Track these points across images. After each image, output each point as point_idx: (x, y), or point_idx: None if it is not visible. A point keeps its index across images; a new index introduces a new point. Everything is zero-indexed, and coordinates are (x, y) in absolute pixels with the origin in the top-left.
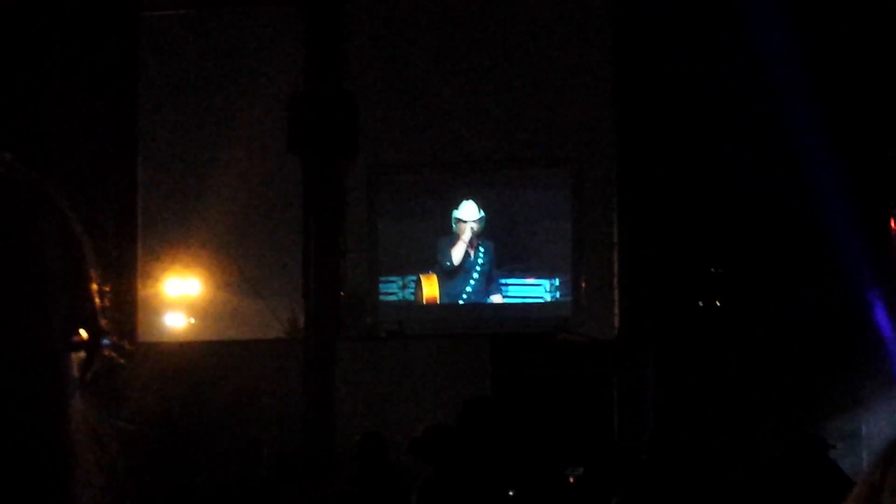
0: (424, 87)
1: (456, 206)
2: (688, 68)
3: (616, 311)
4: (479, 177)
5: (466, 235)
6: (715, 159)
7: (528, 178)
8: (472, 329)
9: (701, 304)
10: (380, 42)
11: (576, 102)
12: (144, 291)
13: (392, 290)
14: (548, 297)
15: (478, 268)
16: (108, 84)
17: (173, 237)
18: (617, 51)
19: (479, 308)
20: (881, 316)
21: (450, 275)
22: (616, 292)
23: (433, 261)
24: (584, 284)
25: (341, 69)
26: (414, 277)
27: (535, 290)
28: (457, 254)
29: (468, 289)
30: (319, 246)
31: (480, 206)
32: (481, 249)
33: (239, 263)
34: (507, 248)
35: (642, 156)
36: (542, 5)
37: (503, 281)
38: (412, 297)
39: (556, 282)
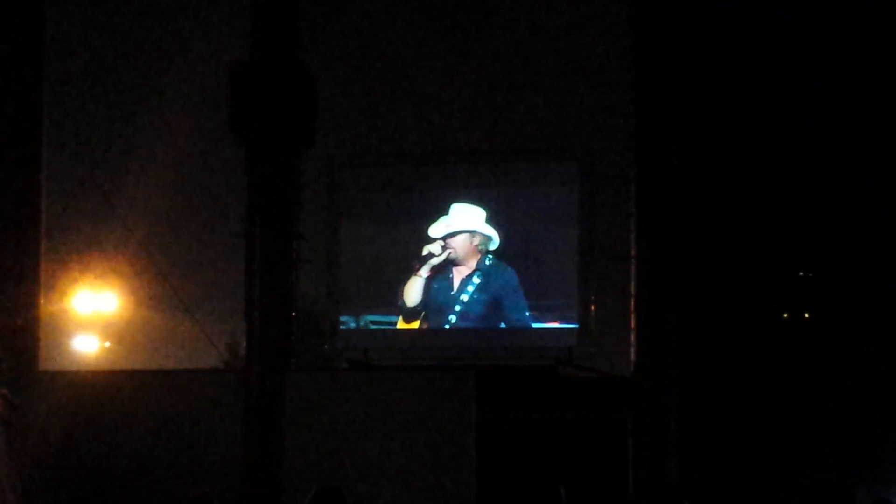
0: (404, 64)
1: (439, 212)
2: (722, 49)
3: (633, 339)
4: (468, 172)
5: (442, 256)
6: (758, 155)
7: (527, 175)
8: (454, 360)
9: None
10: (348, 7)
11: (585, 84)
12: (48, 307)
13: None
14: (548, 322)
15: (463, 301)
16: (8, 52)
17: (84, 240)
18: (636, 25)
19: (463, 334)
20: None
21: (412, 317)
22: (633, 316)
23: (410, 273)
24: (593, 306)
25: (296, 35)
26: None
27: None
28: (413, 291)
29: (453, 316)
30: (266, 254)
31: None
32: (474, 279)
33: (165, 274)
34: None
35: (667, 149)
36: None
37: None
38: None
39: (559, 302)
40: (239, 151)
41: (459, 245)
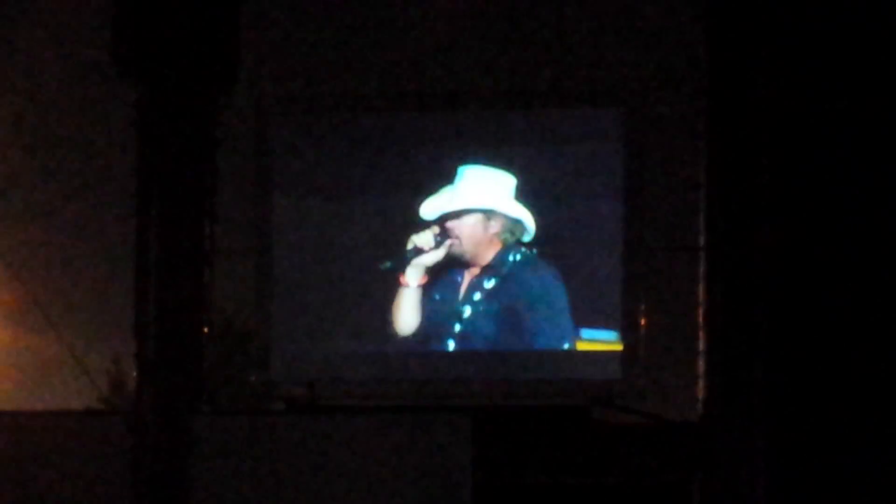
0: None
1: (433, 180)
2: None
3: (702, 370)
4: (461, 121)
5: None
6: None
7: (547, 127)
8: (442, 398)
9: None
10: None
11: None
12: None
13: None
14: (572, 343)
15: (464, 316)
16: None
17: None
18: None
19: (457, 361)
20: None
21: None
22: (702, 334)
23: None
24: (643, 320)
25: None
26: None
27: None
28: (404, 311)
29: (451, 340)
30: (167, 244)
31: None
32: (486, 283)
33: (26, 280)
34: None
35: (753, 92)
36: None
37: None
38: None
39: (596, 314)
40: (127, 96)
41: (467, 232)
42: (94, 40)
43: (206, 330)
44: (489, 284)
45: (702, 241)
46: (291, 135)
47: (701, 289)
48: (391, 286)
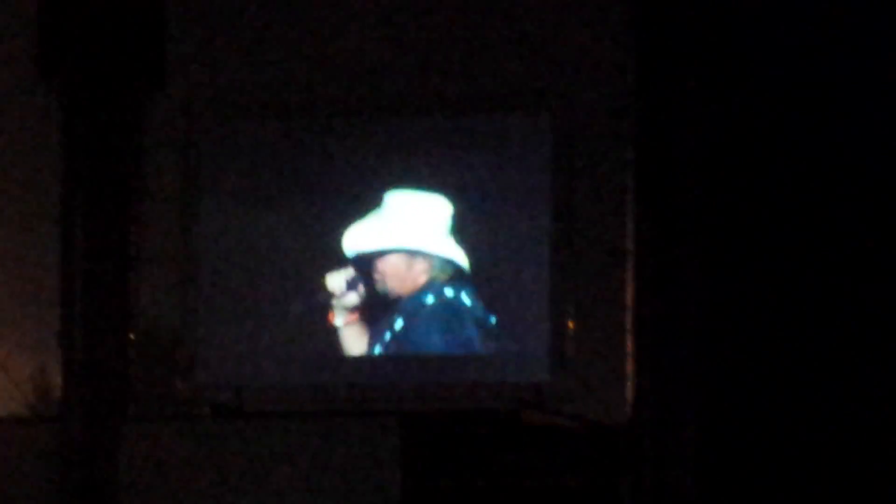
0: None
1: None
2: None
3: (630, 369)
4: (392, 127)
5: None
6: (801, 107)
7: (476, 131)
8: (369, 402)
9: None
10: None
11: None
12: None
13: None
14: (507, 345)
15: (394, 328)
16: None
17: None
18: None
19: (384, 365)
20: None
21: None
22: (630, 339)
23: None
24: (572, 323)
25: None
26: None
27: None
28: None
29: (378, 346)
30: (92, 249)
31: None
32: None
33: None
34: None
35: (678, 95)
36: None
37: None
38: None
39: (523, 317)
40: (50, 99)
41: (390, 271)
42: (18, 44)
43: (131, 336)
44: (400, 325)
45: (630, 243)
46: (219, 141)
47: (629, 291)
48: (317, 294)
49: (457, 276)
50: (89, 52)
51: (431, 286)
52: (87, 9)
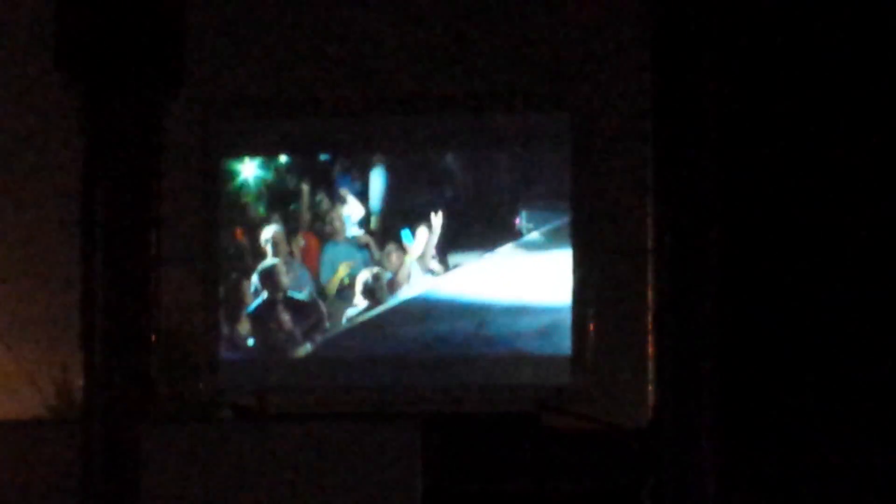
0: None
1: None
2: None
3: (651, 374)
4: (410, 125)
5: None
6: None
7: (493, 131)
8: (389, 404)
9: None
10: None
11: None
12: None
13: None
14: (525, 346)
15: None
16: None
17: None
18: None
19: (404, 367)
20: None
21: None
22: (651, 339)
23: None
24: (592, 324)
25: None
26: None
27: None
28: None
29: None
30: (113, 250)
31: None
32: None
33: None
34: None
35: (699, 93)
36: None
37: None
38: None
39: (543, 319)
40: (70, 97)
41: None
42: (37, 47)
43: (153, 337)
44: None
45: (650, 243)
46: (240, 137)
47: (650, 292)
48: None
49: None
50: (108, 58)
51: None
52: (106, 7)
